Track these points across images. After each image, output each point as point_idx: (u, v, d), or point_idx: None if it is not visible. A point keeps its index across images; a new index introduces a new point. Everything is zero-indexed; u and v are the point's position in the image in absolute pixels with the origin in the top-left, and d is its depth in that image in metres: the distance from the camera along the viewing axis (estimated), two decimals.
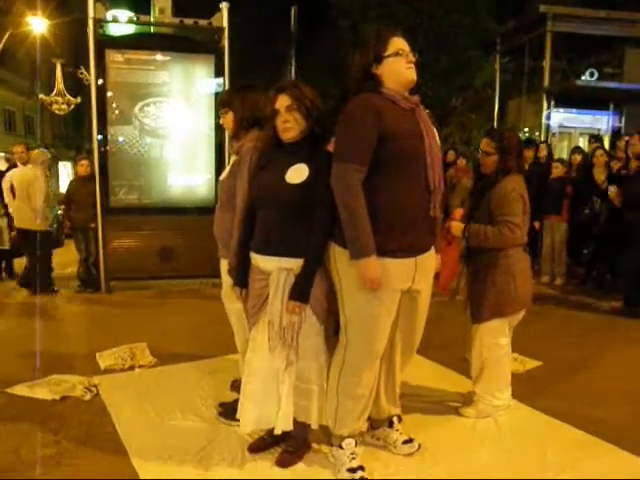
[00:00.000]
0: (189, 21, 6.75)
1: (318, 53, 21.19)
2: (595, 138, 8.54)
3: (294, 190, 2.46)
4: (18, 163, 7.13)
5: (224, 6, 6.70)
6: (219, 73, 6.84)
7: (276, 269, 2.52)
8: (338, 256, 2.47)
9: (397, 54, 2.46)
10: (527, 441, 3.02)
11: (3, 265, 7.59)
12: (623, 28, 10.08)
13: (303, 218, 2.47)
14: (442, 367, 4.11)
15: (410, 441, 2.85)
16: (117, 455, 2.85)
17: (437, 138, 2.60)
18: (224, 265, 2.92)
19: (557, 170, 7.12)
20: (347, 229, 2.37)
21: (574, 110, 10.45)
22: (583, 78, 11.20)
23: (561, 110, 10.38)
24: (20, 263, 7.50)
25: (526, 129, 10.98)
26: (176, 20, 6.82)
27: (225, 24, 6.72)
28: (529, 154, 7.72)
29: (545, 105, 10.00)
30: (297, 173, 2.47)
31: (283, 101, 2.51)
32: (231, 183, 2.82)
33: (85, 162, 7.00)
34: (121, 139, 6.78)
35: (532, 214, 7.09)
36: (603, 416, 3.34)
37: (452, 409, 3.39)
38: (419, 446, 2.85)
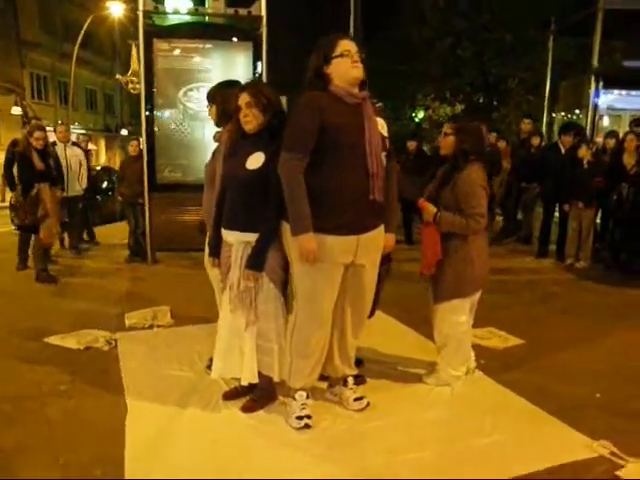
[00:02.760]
0: (230, 10, 7.20)
1: (378, 31, 21.26)
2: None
3: (251, 175, 2.90)
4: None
5: None
6: (258, 59, 7.29)
7: (237, 242, 2.98)
8: (287, 232, 2.88)
9: (342, 55, 2.81)
10: (472, 407, 3.34)
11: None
12: None
13: (259, 199, 2.91)
14: (428, 340, 4.40)
15: (360, 399, 3.25)
16: (116, 394, 3.43)
17: (384, 129, 2.94)
18: (208, 237, 3.40)
19: (583, 152, 7.11)
20: (288, 209, 2.79)
21: (626, 91, 10.19)
22: None
23: (613, 91, 10.15)
24: None
25: (577, 110, 10.82)
26: (220, 10, 7.30)
27: (263, 13, 7.11)
28: (567, 139, 7.76)
29: (593, 86, 9.82)
30: (255, 160, 2.90)
31: (244, 98, 2.94)
32: (212, 167, 3.28)
33: (135, 142, 7.68)
34: (167, 121, 7.37)
35: (561, 198, 7.24)
36: (562, 391, 3.58)
37: (418, 376, 3.74)
38: (368, 403, 3.25)
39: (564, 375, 3.86)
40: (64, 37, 26.95)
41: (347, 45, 2.83)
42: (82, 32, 22.50)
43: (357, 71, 2.83)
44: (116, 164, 27.65)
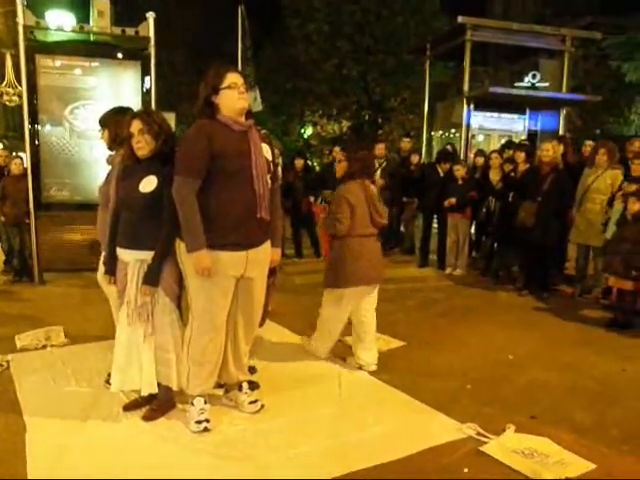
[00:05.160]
0: (117, 30, 7.25)
1: (268, 50, 21.74)
2: (513, 144, 9.20)
3: (145, 197, 3.09)
4: None
5: (150, 16, 7.21)
6: (145, 78, 7.39)
7: (132, 260, 3.16)
8: (182, 249, 3.09)
9: (229, 87, 3.07)
10: (357, 403, 3.69)
11: None
12: (535, 39, 10.97)
13: (153, 219, 3.10)
14: None
15: (255, 402, 3.50)
16: (13, 414, 3.44)
17: (269, 153, 3.24)
18: (103, 256, 3.52)
19: (458, 172, 7.82)
20: (183, 228, 3.01)
21: (494, 113, 11.25)
22: (526, 80, 12.10)
23: (482, 113, 11.15)
24: None
25: (453, 130, 11.73)
26: (106, 29, 7.32)
27: (151, 34, 7.21)
28: (444, 167, 8.39)
29: (465, 108, 10.75)
30: (148, 184, 3.09)
31: (136, 125, 3.12)
32: (106, 189, 3.42)
33: (18, 161, 7.47)
34: (52, 139, 7.28)
35: (439, 211, 7.85)
36: (437, 385, 4.01)
37: (307, 379, 4.05)
38: (262, 406, 3.50)
39: (439, 371, 4.31)
40: None
41: (234, 78, 3.09)
42: None
43: (243, 102, 3.10)
44: None
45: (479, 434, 3.23)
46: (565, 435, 3.23)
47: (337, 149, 9.51)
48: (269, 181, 3.20)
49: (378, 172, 9.02)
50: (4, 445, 3.08)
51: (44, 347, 4.73)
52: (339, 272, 4.17)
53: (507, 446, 3.07)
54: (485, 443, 3.14)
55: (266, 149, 3.23)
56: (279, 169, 8.80)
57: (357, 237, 4.15)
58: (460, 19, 10.38)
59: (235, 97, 3.07)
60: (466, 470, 2.88)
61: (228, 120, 3.07)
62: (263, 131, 3.29)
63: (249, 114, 3.17)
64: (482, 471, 2.89)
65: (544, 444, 3.11)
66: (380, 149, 9.22)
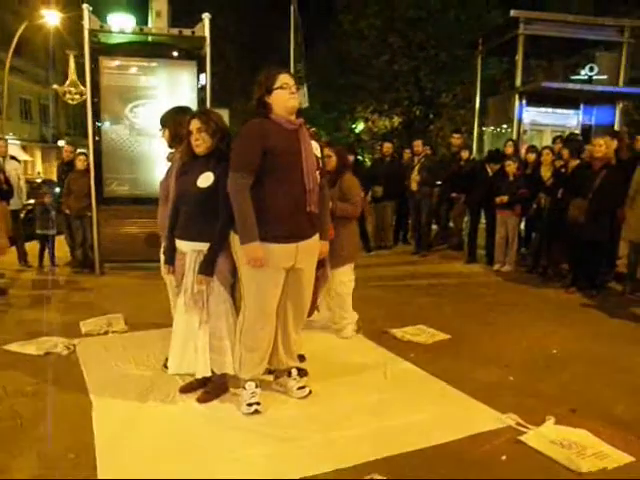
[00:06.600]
0: (174, 31, 7.55)
1: (320, 46, 21.91)
2: (560, 138, 9.15)
3: (202, 192, 3.30)
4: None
5: (205, 17, 7.48)
6: (200, 76, 7.68)
7: (190, 250, 3.38)
8: (236, 241, 3.28)
9: (281, 87, 3.25)
10: (401, 392, 3.82)
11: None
12: (592, 32, 10.73)
13: (210, 213, 3.31)
14: (362, 337, 4.92)
15: (303, 387, 3.67)
16: (80, 393, 3.73)
17: (317, 150, 3.40)
18: (163, 247, 3.76)
19: (509, 168, 7.80)
20: (237, 221, 3.20)
21: (547, 108, 11.09)
22: (583, 73, 11.92)
23: (535, 108, 11.02)
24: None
25: (505, 125, 11.63)
26: (164, 30, 7.64)
27: (206, 34, 7.48)
28: (494, 167, 8.35)
29: (517, 103, 10.66)
30: (205, 179, 3.30)
31: (194, 124, 3.34)
32: (166, 184, 3.66)
33: (82, 157, 7.89)
34: (113, 136, 7.65)
35: (488, 207, 7.84)
36: (480, 377, 4.10)
37: (354, 368, 4.20)
38: (310, 391, 3.67)
39: (483, 363, 4.39)
40: None
41: (286, 79, 3.27)
42: (15, 39, 22.08)
43: (294, 101, 3.28)
44: (53, 175, 27.12)
45: (519, 424, 3.30)
46: (605, 429, 3.27)
47: (388, 144, 9.74)
48: (318, 177, 3.36)
49: (416, 168, 9.13)
50: (75, 419, 3.35)
51: (106, 333, 5.05)
52: (351, 248, 4.87)
53: (546, 436, 3.15)
54: (524, 433, 3.21)
55: (315, 146, 3.41)
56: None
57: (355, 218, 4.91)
58: (513, 12, 10.31)
59: (287, 97, 3.24)
60: (504, 458, 2.97)
61: (280, 119, 3.26)
62: (312, 129, 3.46)
63: (299, 113, 3.34)
64: (519, 459, 2.97)
65: (583, 436, 3.16)
66: (417, 145, 9.38)
